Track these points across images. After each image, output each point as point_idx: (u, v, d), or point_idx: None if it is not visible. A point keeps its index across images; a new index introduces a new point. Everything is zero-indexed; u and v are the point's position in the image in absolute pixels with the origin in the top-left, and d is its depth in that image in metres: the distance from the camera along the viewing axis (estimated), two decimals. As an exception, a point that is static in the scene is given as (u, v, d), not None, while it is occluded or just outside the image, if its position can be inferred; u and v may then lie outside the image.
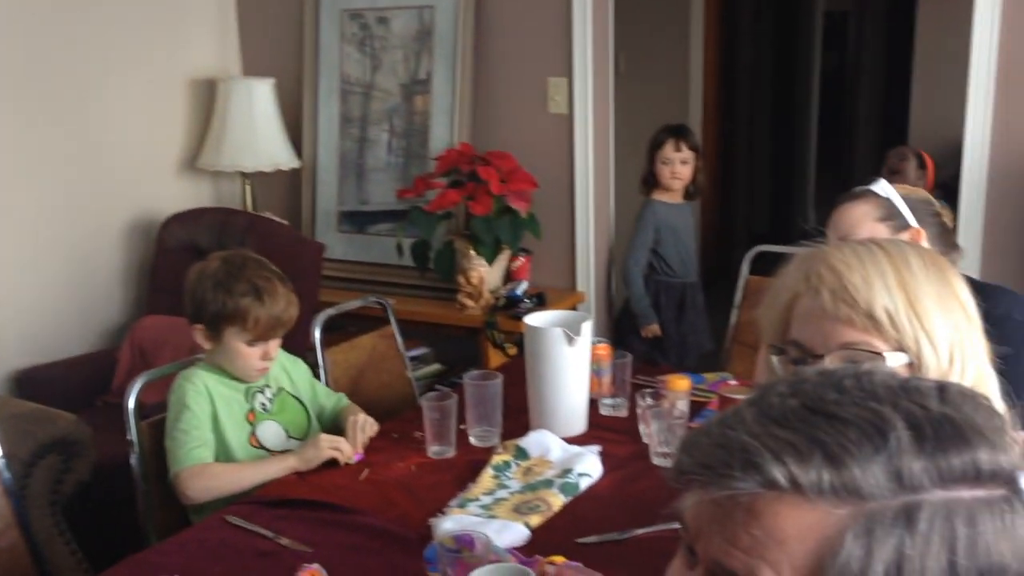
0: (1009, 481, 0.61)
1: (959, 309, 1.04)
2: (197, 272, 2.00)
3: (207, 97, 3.69)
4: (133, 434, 1.97)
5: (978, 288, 1.20)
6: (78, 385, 3.10)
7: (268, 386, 2.06)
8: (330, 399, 2.17)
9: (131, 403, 1.96)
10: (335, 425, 2.12)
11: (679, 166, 3.30)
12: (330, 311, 2.48)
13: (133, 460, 1.97)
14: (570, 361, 2.00)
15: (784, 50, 6.58)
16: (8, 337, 3.13)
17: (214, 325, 1.96)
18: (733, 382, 2.29)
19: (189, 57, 3.69)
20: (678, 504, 0.66)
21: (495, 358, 3.12)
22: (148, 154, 3.58)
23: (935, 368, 1.01)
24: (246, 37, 3.88)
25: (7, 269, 3.14)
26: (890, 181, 4.06)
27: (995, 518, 0.60)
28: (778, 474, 0.59)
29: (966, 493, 0.60)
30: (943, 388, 0.64)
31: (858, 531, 0.58)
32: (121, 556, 1.64)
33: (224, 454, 1.97)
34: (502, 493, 1.77)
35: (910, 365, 1.02)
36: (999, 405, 1.02)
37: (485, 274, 3.24)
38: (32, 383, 3.08)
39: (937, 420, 0.61)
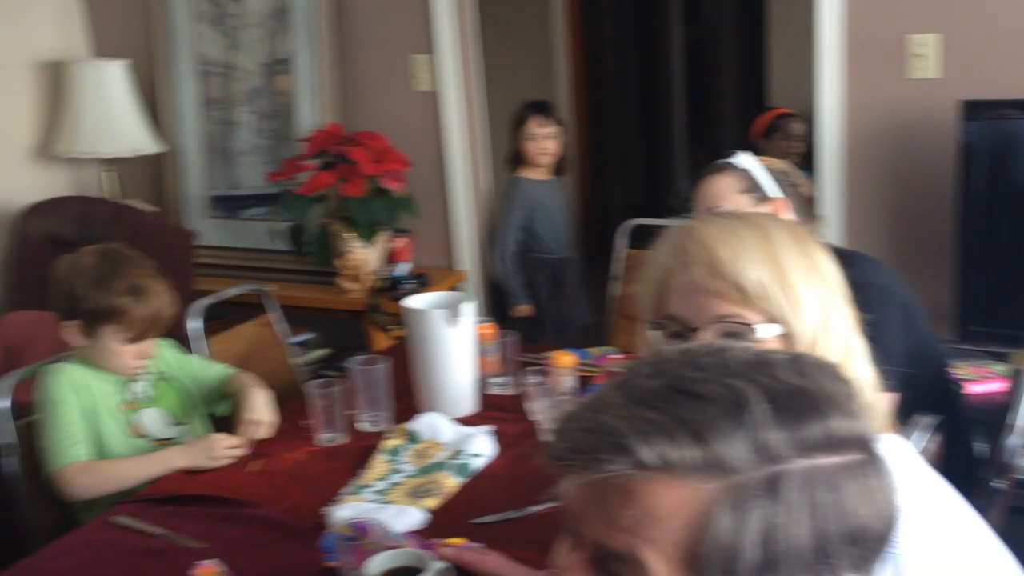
0: (864, 446, 0.65)
1: (823, 279, 1.08)
2: (69, 266, 1.93)
3: (55, 81, 3.52)
4: (11, 436, 1.90)
5: (839, 256, 1.27)
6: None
7: (147, 372, 2.02)
8: (213, 371, 2.12)
9: (6, 404, 1.90)
10: (227, 395, 2.09)
11: (545, 141, 3.27)
12: (206, 300, 2.43)
13: (12, 462, 1.90)
14: (453, 342, 2.01)
15: (646, 24, 6.69)
16: None
17: (90, 323, 1.90)
18: (617, 355, 2.32)
19: (31, 40, 3.51)
20: (558, 487, 0.67)
21: (382, 340, 3.11)
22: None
23: (805, 337, 1.05)
24: (94, 17, 3.72)
25: None
26: (780, 147, 4.10)
27: (854, 482, 0.63)
28: (647, 454, 0.61)
29: (825, 460, 0.63)
30: (796, 360, 0.67)
31: (727, 504, 0.61)
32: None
33: (100, 447, 1.92)
34: (396, 478, 1.77)
35: (783, 335, 1.06)
36: (866, 370, 1.08)
37: (364, 256, 3.22)
38: None
39: (792, 392, 0.64)
